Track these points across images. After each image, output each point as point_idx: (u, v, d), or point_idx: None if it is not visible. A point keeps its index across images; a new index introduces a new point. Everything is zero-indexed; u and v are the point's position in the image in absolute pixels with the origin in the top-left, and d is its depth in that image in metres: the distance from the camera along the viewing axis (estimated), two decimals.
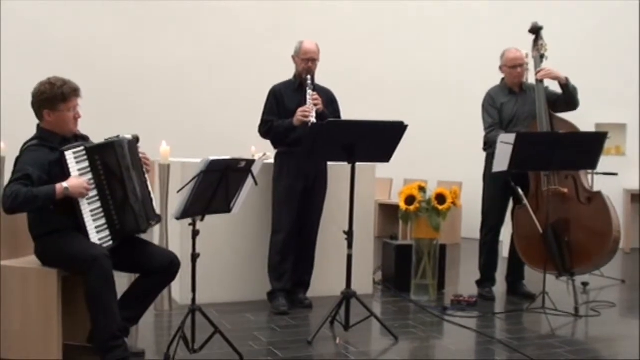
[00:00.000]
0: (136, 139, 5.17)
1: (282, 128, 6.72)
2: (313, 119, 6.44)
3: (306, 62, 6.81)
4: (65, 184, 4.66)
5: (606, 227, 6.85)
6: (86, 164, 4.83)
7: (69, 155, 4.78)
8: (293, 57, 6.93)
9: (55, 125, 4.96)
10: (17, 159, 4.85)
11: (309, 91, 6.66)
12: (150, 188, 5.20)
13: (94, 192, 4.82)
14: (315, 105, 6.59)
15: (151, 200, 5.17)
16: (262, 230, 7.03)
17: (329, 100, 6.92)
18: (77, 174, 4.76)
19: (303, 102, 6.67)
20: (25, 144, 4.95)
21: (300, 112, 6.55)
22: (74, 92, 4.98)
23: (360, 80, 12.92)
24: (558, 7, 11.73)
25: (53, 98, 4.91)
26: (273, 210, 6.90)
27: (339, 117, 6.95)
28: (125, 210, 4.92)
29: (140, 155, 5.18)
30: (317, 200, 6.93)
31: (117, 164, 4.92)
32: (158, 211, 5.38)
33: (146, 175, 5.20)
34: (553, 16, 11.07)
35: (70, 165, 4.75)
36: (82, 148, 4.85)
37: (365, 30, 13.33)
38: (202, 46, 13.44)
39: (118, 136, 5.00)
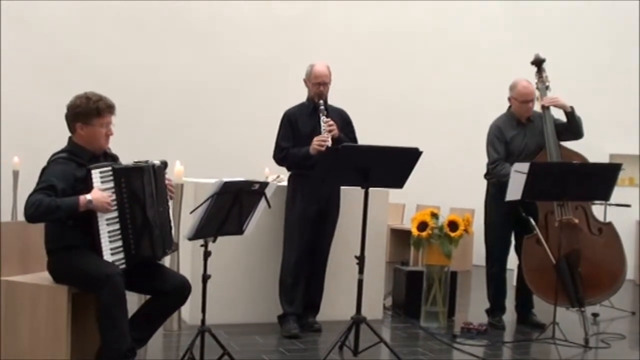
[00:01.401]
0: (164, 165, 5.18)
1: (299, 157, 6.70)
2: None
3: (317, 86, 6.79)
4: (89, 197, 4.66)
5: (618, 259, 6.85)
6: (111, 184, 4.81)
7: (96, 174, 4.78)
8: (305, 81, 6.92)
9: (86, 140, 4.96)
10: (44, 170, 4.86)
11: (323, 117, 6.64)
12: (171, 216, 5.21)
13: (115, 214, 4.81)
14: (330, 132, 6.57)
15: (170, 228, 5.17)
16: (273, 253, 7.03)
17: (343, 121, 6.92)
18: None
19: (317, 126, 6.67)
20: (53, 155, 4.95)
21: (316, 141, 6.53)
22: (109, 108, 5.00)
23: (375, 105, 12.93)
24: (574, 36, 11.76)
25: (87, 112, 4.92)
26: (285, 233, 6.90)
27: (354, 137, 6.96)
28: (142, 236, 4.91)
29: (167, 182, 5.19)
30: (329, 225, 6.93)
31: (141, 189, 4.92)
32: (176, 239, 5.36)
33: (169, 203, 5.21)
34: (569, 45, 11.12)
35: (95, 184, 4.74)
36: (109, 168, 4.84)
37: (381, 55, 13.35)
38: (218, 67, 13.46)
39: (147, 161, 5.00)
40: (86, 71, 12.30)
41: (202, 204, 4.83)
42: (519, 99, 7.24)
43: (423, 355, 6.23)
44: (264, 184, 5.23)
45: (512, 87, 7.31)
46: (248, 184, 5.08)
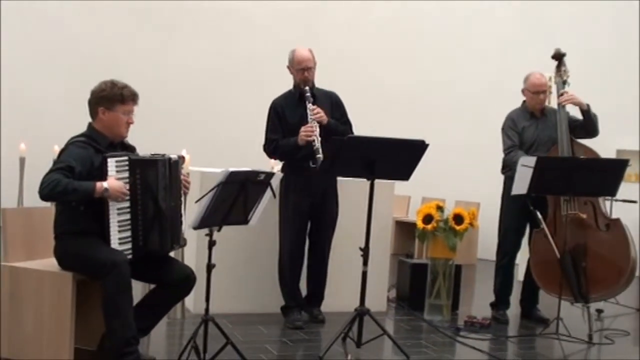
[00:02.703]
0: (181, 159, 5.20)
1: (288, 147, 6.61)
2: (317, 137, 6.36)
3: (302, 72, 6.65)
4: (105, 184, 4.69)
5: (624, 256, 6.83)
6: (126, 174, 4.83)
7: (111, 162, 4.80)
8: (288, 68, 6.81)
9: (106, 126, 4.99)
10: (62, 151, 4.89)
11: (309, 105, 6.53)
12: (183, 211, 5.21)
13: (127, 204, 4.83)
14: (317, 120, 6.49)
15: (181, 223, 5.17)
16: (277, 243, 7.01)
17: (334, 104, 6.84)
18: None
19: (305, 114, 6.55)
20: (72, 138, 4.97)
21: (303, 131, 6.43)
22: (133, 96, 5.05)
23: (380, 98, 12.93)
24: (581, 32, 11.73)
25: (112, 97, 4.96)
26: (279, 226, 6.85)
27: (346, 120, 6.89)
28: (152, 229, 4.93)
29: (182, 176, 5.20)
30: (327, 218, 6.85)
31: (155, 181, 4.93)
32: (186, 234, 5.36)
33: (182, 198, 5.22)
34: (575, 41, 11.06)
35: (110, 173, 4.76)
36: (126, 158, 4.87)
37: (387, 48, 13.33)
38: (225, 56, 13.46)
39: (164, 155, 5.02)
40: (91, 59, 12.33)
41: (207, 193, 4.83)
42: (531, 89, 7.27)
43: (426, 348, 6.23)
44: (270, 174, 5.22)
45: (526, 79, 7.35)
46: (254, 173, 5.07)
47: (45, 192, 4.64)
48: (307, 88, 6.61)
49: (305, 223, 6.78)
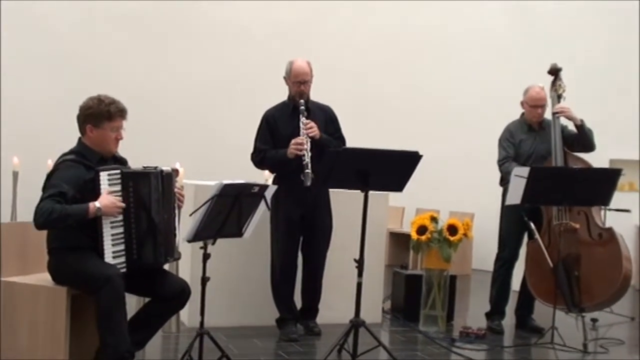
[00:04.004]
0: (175, 172, 5.20)
1: (276, 160, 6.59)
2: (307, 152, 6.33)
3: (298, 84, 6.62)
4: (97, 204, 4.67)
5: (617, 265, 6.84)
6: (118, 187, 4.82)
7: (104, 176, 4.79)
8: (284, 79, 6.78)
9: (95, 142, 4.98)
10: (52, 172, 4.87)
11: (303, 119, 6.49)
12: (177, 224, 5.18)
13: (119, 217, 4.81)
14: (310, 135, 6.45)
15: (175, 236, 5.15)
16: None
17: (328, 119, 6.81)
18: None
19: (297, 128, 6.51)
20: (62, 156, 4.96)
21: (293, 145, 6.40)
22: (120, 112, 5.01)
23: (375, 108, 12.93)
24: (574, 41, 11.77)
25: (98, 114, 4.94)
26: (271, 238, 6.82)
27: (340, 136, 6.87)
28: (145, 242, 4.91)
29: (176, 190, 5.19)
30: (320, 230, 6.82)
31: (148, 194, 4.91)
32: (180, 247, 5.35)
33: (176, 211, 5.19)
34: (569, 50, 11.12)
35: (102, 186, 4.76)
36: (118, 171, 4.85)
37: (382, 58, 13.33)
38: (219, 68, 13.44)
39: (156, 167, 5.00)
40: (86, 71, 12.29)
41: (202, 206, 4.83)
42: (530, 103, 7.29)
43: None
44: (264, 187, 5.23)
45: (525, 92, 7.37)
46: (248, 186, 5.08)
47: (40, 221, 4.64)
48: (302, 101, 6.57)
49: (297, 235, 6.75)
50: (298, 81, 6.63)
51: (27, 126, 12.15)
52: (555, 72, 7.44)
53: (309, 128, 6.47)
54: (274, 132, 6.70)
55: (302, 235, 6.78)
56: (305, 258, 6.85)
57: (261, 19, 13.57)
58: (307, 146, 6.37)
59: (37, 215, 4.64)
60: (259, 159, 6.73)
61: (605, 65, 11.77)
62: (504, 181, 7.32)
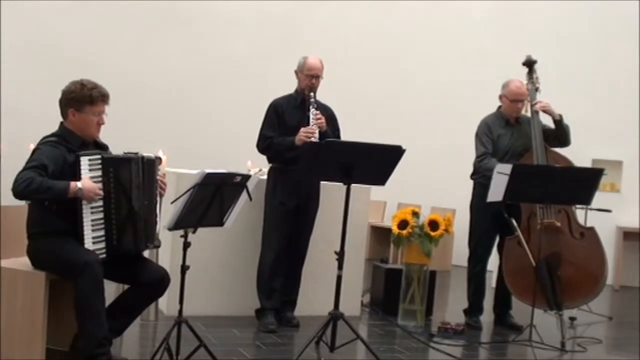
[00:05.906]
0: (158, 160, 5.18)
1: (283, 146, 6.66)
2: (316, 140, 6.41)
3: (310, 78, 6.76)
4: (79, 184, 4.66)
5: (598, 264, 6.89)
6: (99, 172, 4.80)
7: (84, 160, 4.77)
8: (296, 72, 6.89)
9: (77, 127, 4.96)
10: (34, 150, 4.85)
11: (313, 110, 6.63)
12: (158, 211, 5.16)
13: (100, 203, 4.80)
14: (319, 125, 6.58)
15: (155, 223, 5.13)
16: (252, 246, 7.01)
17: (329, 118, 6.88)
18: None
19: (304, 119, 6.65)
20: (44, 138, 4.94)
21: (303, 132, 6.52)
22: (103, 97, 5.00)
23: (360, 102, 12.91)
24: (558, 41, 11.82)
25: (81, 99, 4.93)
26: (264, 227, 6.87)
27: (339, 135, 6.94)
28: (126, 228, 4.90)
29: (158, 177, 5.17)
30: (308, 219, 6.90)
31: (129, 180, 4.90)
32: (161, 235, 5.34)
33: (158, 198, 5.17)
34: (552, 50, 11.15)
35: (83, 171, 4.73)
36: (98, 157, 4.83)
37: (366, 53, 13.34)
38: (203, 57, 13.41)
39: (137, 153, 4.99)
40: (70, 60, 12.21)
41: (183, 194, 4.82)
42: (510, 97, 7.26)
43: (399, 354, 6.24)
44: (246, 177, 5.22)
45: (505, 86, 7.34)
46: (230, 176, 5.06)
47: (19, 189, 4.61)
48: (312, 94, 6.70)
49: (291, 223, 6.78)
50: (311, 74, 6.77)
51: (10, 112, 12.07)
52: (530, 63, 7.42)
53: (318, 119, 6.60)
54: (281, 121, 6.80)
55: (292, 224, 6.80)
56: (291, 246, 6.86)
57: (248, 9, 13.54)
58: (316, 135, 6.49)
59: (17, 184, 4.61)
60: (266, 145, 6.78)
61: (589, 66, 11.81)
62: (476, 175, 7.32)
